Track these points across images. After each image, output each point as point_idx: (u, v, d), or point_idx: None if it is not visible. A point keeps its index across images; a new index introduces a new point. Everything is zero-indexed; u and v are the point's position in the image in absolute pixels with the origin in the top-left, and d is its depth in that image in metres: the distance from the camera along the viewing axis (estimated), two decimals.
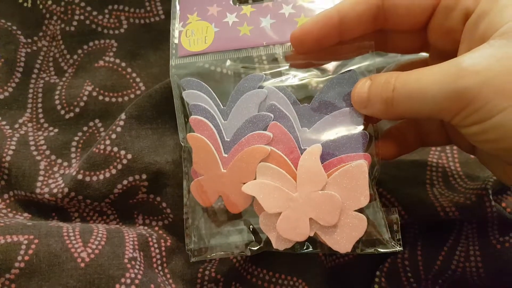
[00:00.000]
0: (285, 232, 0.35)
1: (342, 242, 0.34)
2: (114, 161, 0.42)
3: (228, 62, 0.38)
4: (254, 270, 0.44)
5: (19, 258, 0.35)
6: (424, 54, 0.39)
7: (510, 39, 0.28)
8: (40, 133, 0.45)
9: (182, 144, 0.38)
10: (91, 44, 0.47)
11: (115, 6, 0.48)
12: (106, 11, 0.48)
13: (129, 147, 0.42)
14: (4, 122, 0.45)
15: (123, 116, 0.43)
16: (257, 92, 0.36)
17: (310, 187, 0.34)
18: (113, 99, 0.46)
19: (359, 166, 0.34)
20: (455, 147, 0.45)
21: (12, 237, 0.36)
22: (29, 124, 0.45)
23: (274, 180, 0.35)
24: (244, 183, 0.35)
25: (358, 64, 0.37)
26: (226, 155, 0.37)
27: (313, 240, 0.36)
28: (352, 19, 0.34)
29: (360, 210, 0.34)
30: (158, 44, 0.48)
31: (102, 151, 0.42)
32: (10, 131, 0.44)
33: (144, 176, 0.42)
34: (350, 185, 0.34)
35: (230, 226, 0.38)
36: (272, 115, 0.36)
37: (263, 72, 0.38)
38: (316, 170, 0.34)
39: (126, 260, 0.38)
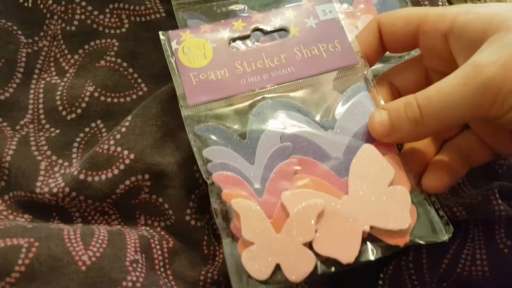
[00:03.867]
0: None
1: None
2: (117, 161, 0.42)
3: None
4: None
5: (19, 261, 0.35)
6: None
7: (507, 30, 0.31)
8: (41, 133, 0.44)
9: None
10: (92, 43, 0.47)
11: (116, 5, 0.48)
12: (107, 10, 0.47)
13: (132, 146, 0.42)
14: (5, 124, 0.44)
15: (129, 117, 0.43)
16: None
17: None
18: (115, 100, 0.46)
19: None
20: None
21: (12, 240, 0.35)
22: (31, 126, 0.45)
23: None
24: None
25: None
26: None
27: None
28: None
29: None
30: (158, 42, 0.48)
31: (105, 151, 0.42)
32: (11, 132, 0.44)
33: (146, 176, 0.41)
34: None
35: None
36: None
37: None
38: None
39: (127, 263, 0.37)
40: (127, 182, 0.41)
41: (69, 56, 0.47)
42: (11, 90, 0.46)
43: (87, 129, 0.45)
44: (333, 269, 0.34)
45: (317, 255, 0.34)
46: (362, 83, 0.40)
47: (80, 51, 0.47)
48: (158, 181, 0.42)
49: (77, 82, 0.46)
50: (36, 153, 0.43)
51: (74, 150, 0.44)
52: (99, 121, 0.45)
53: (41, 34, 0.48)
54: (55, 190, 0.41)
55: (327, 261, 0.34)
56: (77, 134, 0.45)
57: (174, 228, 0.43)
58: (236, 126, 0.38)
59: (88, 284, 0.35)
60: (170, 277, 0.41)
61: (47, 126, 0.45)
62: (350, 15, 0.51)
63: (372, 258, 0.34)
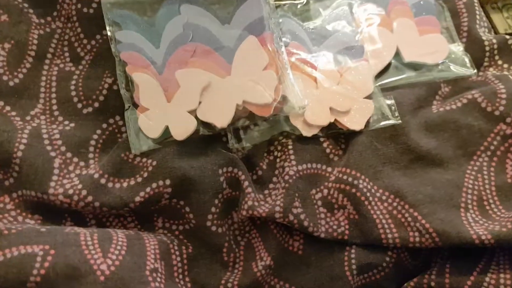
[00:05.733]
0: (312, 120, 0.43)
1: (357, 122, 0.44)
2: (140, 170, 0.40)
3: None
4: (276, 284, 0.42)
5: (35, 272, 0.32)
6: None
7: None
8: (54, 126, 0.41)
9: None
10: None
11: None
12: None
13: (155, 155, 0.40)
14: (14, 113, 0.41)
15: None
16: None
17: (328, 84, 0.44)
18: None
19: (363, 65, 0.45)
20: (492, 169, 0.44)
21: (26, 248, 0.33)
22: (42, 117, 0.41)
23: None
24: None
25: None
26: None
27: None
28: None
29: (367, 98, 0.45)
30: None
31: (131, 160, 0.40)
32: (21, 123, 0.41)
33: (168, 182, 0.39)
34: (358, 79, 0.45)
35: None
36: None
37: None
38: (332, 71, 0.45)
39: (147, 272, 0.35)
40: (148, 189, 0.39)
41: (85, 41, 0.43)
42: (20, 75, 0.42)
43: (104, 125, 0.42)
44: (210, 132, 0.41)
45: (199, 121, 0.41)
46: None
47: (98, 36, 0.43)
48: (179, 184, 0.40)
49: (94, 72, 0.43)
50: (49, 148, 0.40)
51: (91, 149, 0.41)
52: (117, 117, 0.42)
53: (54, 14, 0.44)
54: (70, 191, 0.38)
55: (207, 125, 0.41)
56: (94, 130, 0.42)
57: (194, 233, 0.41)
58: (147, 14, 0.43)
59: None
60: (189, 285, 0.40)
61: (60, 118, 0.42)
62: (385, 18, 0.48)
63: (239, 124, 0.42)
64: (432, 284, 0.41)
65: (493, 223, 0.40)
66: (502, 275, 0.40)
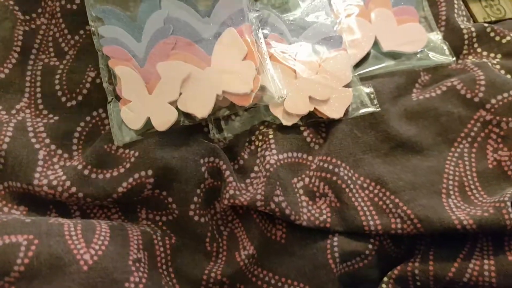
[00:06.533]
0: (291, 109, 0.43)
1: (336, 110, 0.44)
2: (123, 161, 0.41)
3: None
4: (259, 273, 0.42)
5: (19, 261, 0.33)
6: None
7: None
8: (39, 119, 0.42)
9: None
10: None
11: None
12: None
13: (138, 146, 0.41)
14: None
15: None
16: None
17: (307, 73, 0.45)
18: None
19: (342, 55, 0.46)
20: (473, 155, 0.44)
21: (11, 238, 0.34)
22: (27, 111, 0.42)
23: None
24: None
25: None
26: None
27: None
28: None
29: (346, 87, 0.46)
30: None
31: (114, 151, 0.41)
32: (6, 116, 0.41)
33: (150, 172, 0.40)
34: (336, 69, 0.45)
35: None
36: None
37: None
38: (310, 61, 0.46)
39: (130, 262, 0.36)
40: (130, 180, 0.40)
41: (69, 37, 0.44)
42: (6, 70, 0.43)
43: (88, 118, 0.43)
44: (191, 122, 0.42)
45: (180, 111, 0.42)
46: None
47: (81, 31, 0.44)
48: (162, 175, 0.40)
49: (77, 66, 0.43)
50: (34, 140, 0.41)
51: (75, 141, 0.42)
52: (100, 110, 0.43)
53: (39, 10, 0.45)
54: (54, 182, 0.39)
55: (188, 116, 0.42)
56: (78, 123, 0.43)
57: (177, 223, 0.42)
58: (130, 10, 0.44)
59: (89, 285, 0.34)
60: (172, 275, 0.40)
61: (45, 112, 0.42)
62: (363, 9, 0.49)
63: (220, 115, 0.43)
64: (416, 271, 0.41)
65: (474, 208, 0.40)
66: (486, 261, 0.40)
